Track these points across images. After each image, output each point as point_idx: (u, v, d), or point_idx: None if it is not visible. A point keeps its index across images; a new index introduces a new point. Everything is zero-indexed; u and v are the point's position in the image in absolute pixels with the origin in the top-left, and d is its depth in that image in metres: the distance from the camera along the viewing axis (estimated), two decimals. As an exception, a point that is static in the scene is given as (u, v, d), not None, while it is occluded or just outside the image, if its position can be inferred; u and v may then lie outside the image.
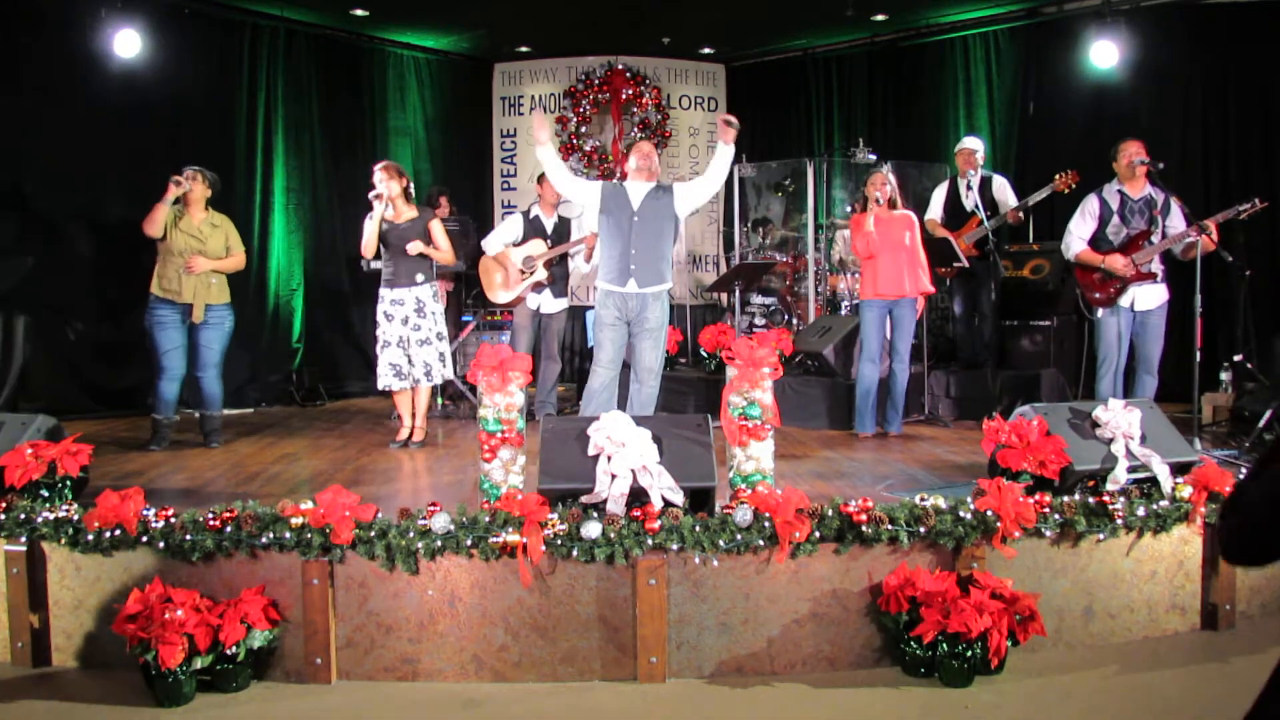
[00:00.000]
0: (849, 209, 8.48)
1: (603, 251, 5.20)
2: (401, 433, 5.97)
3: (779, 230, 9.02)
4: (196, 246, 5.85)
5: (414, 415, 5.98)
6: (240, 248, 6.11)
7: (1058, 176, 6.49)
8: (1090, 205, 5.62)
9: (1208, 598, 3.99)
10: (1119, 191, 5.56)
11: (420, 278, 5.83)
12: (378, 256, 5.92)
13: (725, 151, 5.11)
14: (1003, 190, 6.99)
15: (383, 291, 5.85)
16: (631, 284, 5.06)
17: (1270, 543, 1.58)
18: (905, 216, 6.18)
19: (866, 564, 3.67)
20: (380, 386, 5.88)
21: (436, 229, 5.90)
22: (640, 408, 5.12)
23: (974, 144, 7.02)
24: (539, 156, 5.16)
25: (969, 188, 6.92)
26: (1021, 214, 6.86)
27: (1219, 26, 7.39)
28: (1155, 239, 5.46)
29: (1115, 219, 5.55)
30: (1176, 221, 5.48)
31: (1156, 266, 5.54)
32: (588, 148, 9.58)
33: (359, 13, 8.13)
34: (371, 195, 5.77)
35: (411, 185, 6.01)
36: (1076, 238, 5.63)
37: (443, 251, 5.90)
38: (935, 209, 7.19)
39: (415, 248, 5.75)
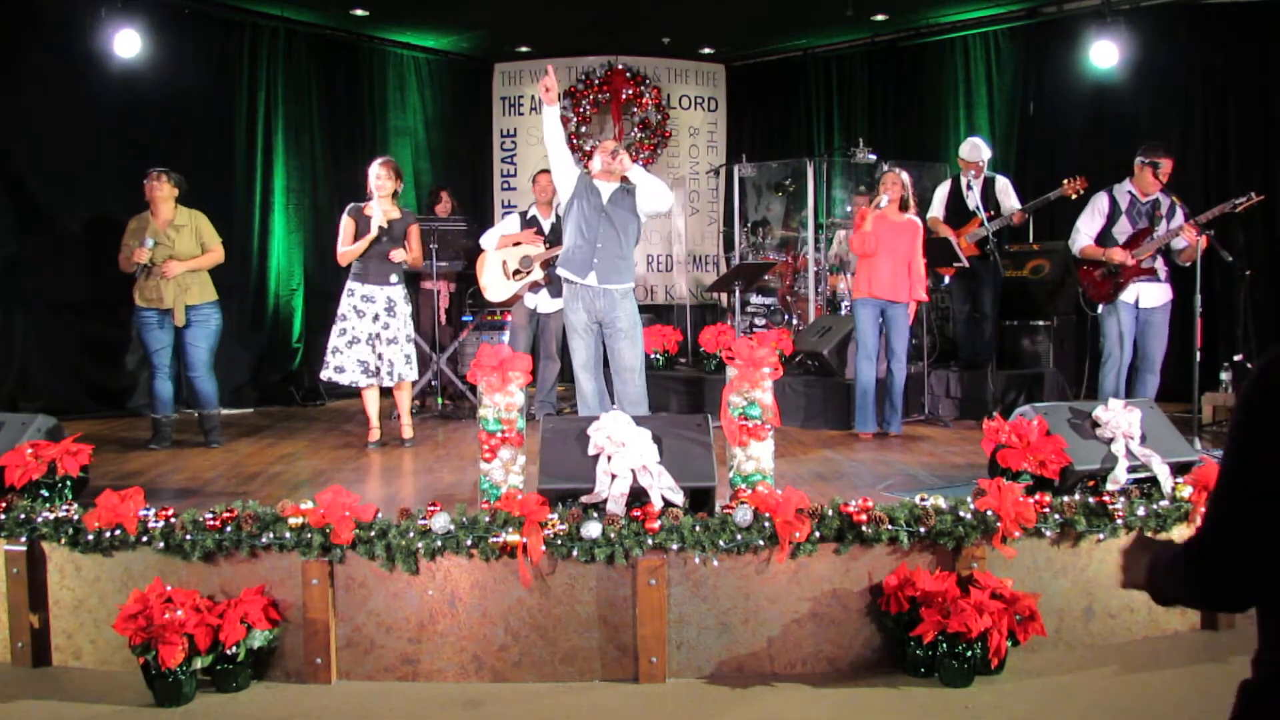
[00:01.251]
0: (849, 209, 8.49)
1: (567, 239, 5.09)
2: (372, 434, 5.94)
3: (779, 230, 9.03)
4: (165, 252, 5.81)
5: (398, 414, 5.97)
6: (215, 241, 6.04)
7: (1065, 182, 6.49)
8: (1100, 203, 5.65)
9: (1208, 598, 3.99)
10: (1129, 192, 5.59)
11: (394, 278, 5.79)
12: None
13: (637, 171, 5.01)
14: (1005, 190, 6.98)
15: (352, 285, 5.78)
16: (592, 277, 4.98)
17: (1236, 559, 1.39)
18: (910, 222, 6.17)
19: (866, 564, 3.67)
20: (326, 377, 5.80)
21: (414, 234, 5.89)
22: (630, 407, 5.08)
23: (983, 153, 6.96)
24: (545, 116, 5.00)
25: (969, 187, 6.92)
26: (1027, 215, 6.84)
27: (1219, 26, 7.39)
28: (1156, 235, 5.48)
29: (1123, 218, 5.57)
30: (1178, 221, 5.49)
31: (1159, 265, 5.55)
32: (588, 148, 9.57)
33: (359, 13, 8.13)
34: (374, 206, 5.70)
35: (401, 187, 5.98)
36: (1084, 234, 5.66)
37: (412, 254, 5.87)
38: (937, 207, 7.19)
39: (399, 255, 5.72)
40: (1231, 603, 1.45)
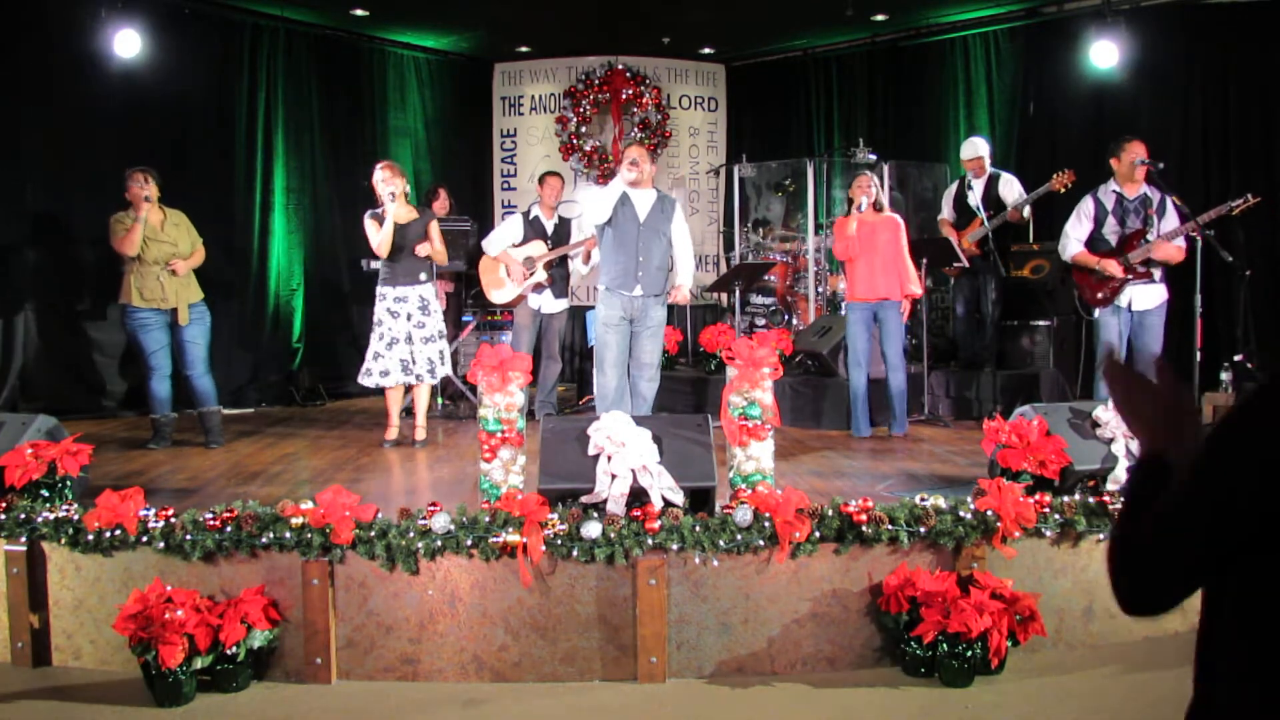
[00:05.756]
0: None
1: (608, 258, 5.36)
2: (390, 432, 5.97)
3: (779, 230, 9.03)
4: (170, 251, 5.84)
5: (414, 414, 5.99)
6: (200, 241, 6.10)
7: (1055, 175, 6.50)
8: (1085, 207, 5.64)
9: (1208, 598, 3.99)
10: (1115, 192, 5.57)
11: (423, 276, 5.89)
12: (361, 256, 5.94)
13: (679, 228, 5.55)
14: (1008, 187, 6.97)
15: (383, 290, 5.86)
16: (638, 289, 5.32)
17: (1165, 579, 1.27)
18: (890, 219, 6.16)
19: (866, 564, 3.67)
20: (373, 384, 5.85)
21: (435, 229, 5.96)
22: (642, 400, 5.34)
23: (981, 150, 6.97)
24: (612, 185, 5.35)
25: (969, 187, 6.94)
26: (1022, 213, 6.83)
27: (1219, 26, 7.39)
28: (1151, 237, 5.47)
29: (1111, 219, 5.56)
30: (1171, 221, 5.48)
31: (1154, 266, 5.54)
32: (588, 148, 9.59)
33: (359, 13, 8.13)
34: (386, 195, 5.73)
35: (409, 186, 6.03)
36: (1073, 239, 5.65)
37: (438, 252, 5.96)
38: (945, 209, 7.22)
39: (424, 249, 5.83)
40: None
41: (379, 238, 5.76)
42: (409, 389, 5.98)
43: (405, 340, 5.81)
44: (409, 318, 5.82)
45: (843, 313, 7.83)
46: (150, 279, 5.79)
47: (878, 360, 6.27)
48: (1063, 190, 6.42)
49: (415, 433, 5.96)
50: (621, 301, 5.33)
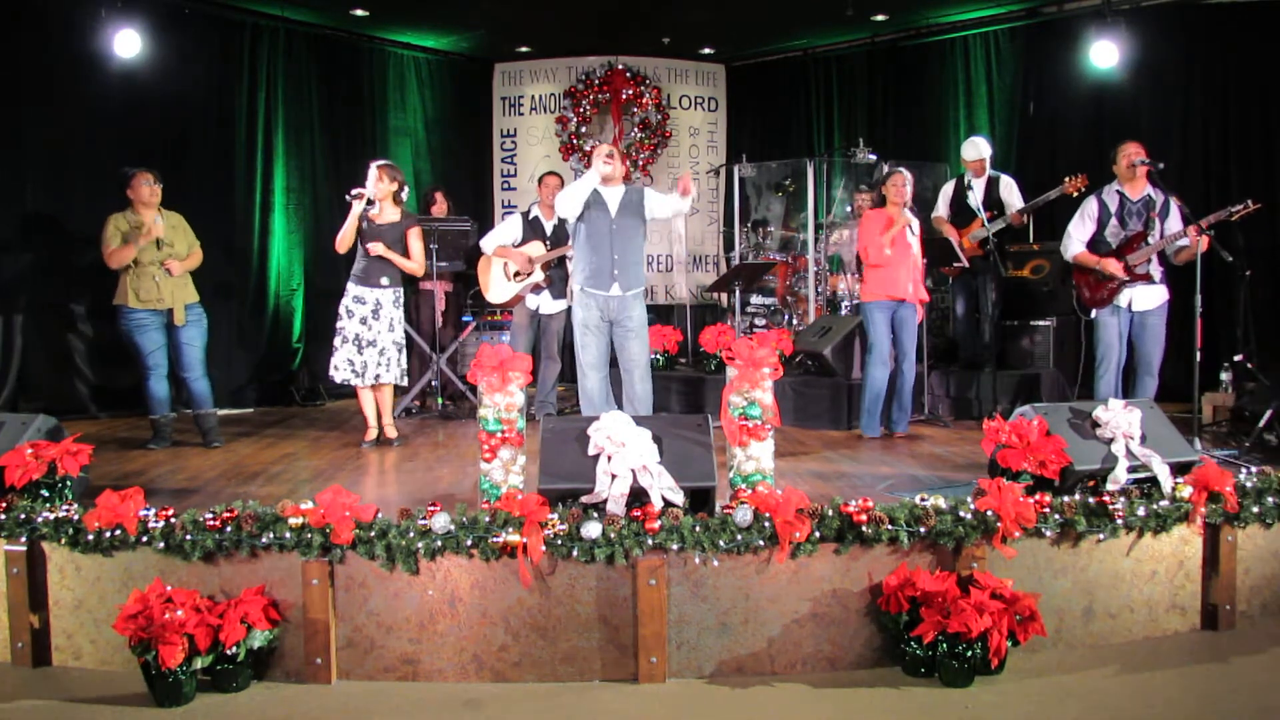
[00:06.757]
0: (849, 209, 8.49)
1: (583, 256, 5.29)
2: (369, 433, 5.99)
3: (779, 230, 9.03)
4: (168, 251, 5.87)
5: (379, 414, 6.01)
6: (197, 243, 6.11)
7: (1067, 179, 6.49)
8: (1089, 208, 5.64)
9: (1208, 598, 3.99)
10: (1118, 193, 5.57)
11: (384, 281, 5.83)
12: (353, 253, 5.93)
13: (683, 202, 5.25)
14: (1009, 190, 6.97)
15: (349, 285, 5.86)
16: (615, 288, 5.23)
17: None
18: (912, 221, 6.18)
19: (866, 564, 3.67)
20: (338, 380, 5.87)
21: (413, 237, 5.90)
22: (638, 403, 5.27)
23: (983, 151, 6.98)
24: (585, 177, 5.25)
25: (969, 187, 6.93)
26: (1025, 217, 6.83)
27: (1219, 26, 7.40)
28: (1152, 239, 5.47)
29: (1113, 221, 5.56)
30: (1174, 223, 5.48)
31: (1154, 268, 5.54)
32: (588, 148, 9.59)
33: (359, 13, 8.14)
34: (351, 194, 5.77)
35: (406, 190, 6.01)
36: (1075, 240, 5.65)
37: (411, 261, 5.88)
38: (941, 207, 7.20)
39: (376, 249, 5.77)
40: None
41: (342, 232, 5.78)
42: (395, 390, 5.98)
43: (353, 341, 5.78)
44: (363, 320, 5.79)
45: (844, 311, 7.84)
46: (146, 279, 5.80)
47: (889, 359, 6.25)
48: (1075, 194, 6.43)
49: (385, 431, 6.00)
50: (598, 302, 5.23)
